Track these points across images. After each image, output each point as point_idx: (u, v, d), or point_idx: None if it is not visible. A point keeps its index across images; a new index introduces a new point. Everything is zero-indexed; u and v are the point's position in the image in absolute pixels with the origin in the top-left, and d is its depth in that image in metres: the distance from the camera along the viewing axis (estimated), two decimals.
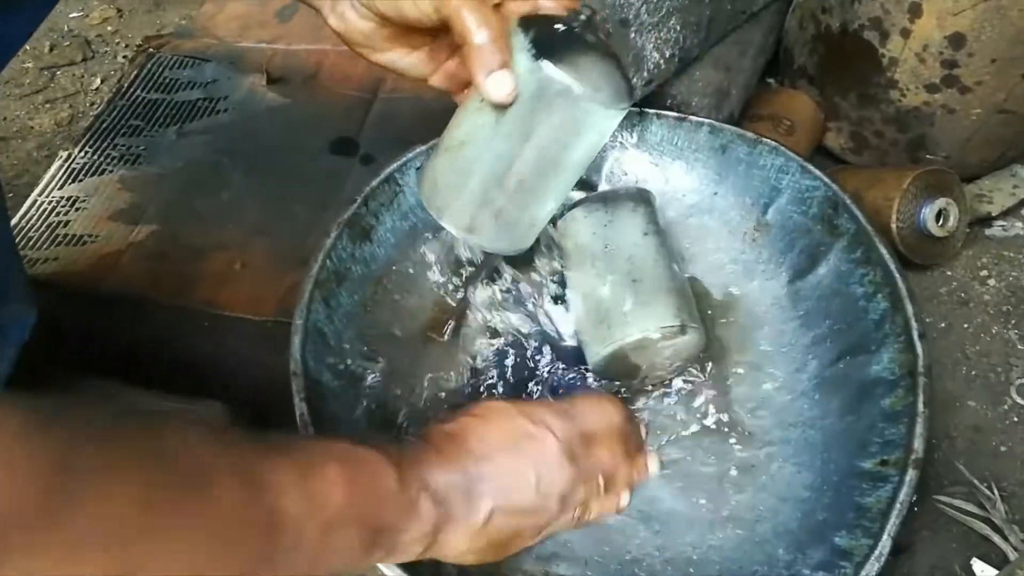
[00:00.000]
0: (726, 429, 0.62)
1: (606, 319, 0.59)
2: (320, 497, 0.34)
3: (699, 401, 0.63)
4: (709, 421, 0.62)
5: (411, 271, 0.68)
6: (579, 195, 0.72)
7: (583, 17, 0.49)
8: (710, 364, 0.65)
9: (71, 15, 1.07)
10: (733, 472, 0.60)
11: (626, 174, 0.74)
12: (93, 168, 0.82)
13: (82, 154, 0.83)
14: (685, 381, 0.64)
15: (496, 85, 0.46)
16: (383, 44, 0.52)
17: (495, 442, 0.44)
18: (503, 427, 0.45)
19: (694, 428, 0.62)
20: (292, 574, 0.34)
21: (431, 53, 0.53)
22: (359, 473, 0.37)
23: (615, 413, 0.49)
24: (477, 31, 0.46)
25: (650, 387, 0.64)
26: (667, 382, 0.64)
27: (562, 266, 0.66)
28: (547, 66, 0.45)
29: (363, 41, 0.52)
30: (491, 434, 0.45)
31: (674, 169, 0.73)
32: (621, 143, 0.73)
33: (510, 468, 0.44)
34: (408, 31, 0.51)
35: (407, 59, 0.53)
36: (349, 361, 0.61)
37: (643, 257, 0.61)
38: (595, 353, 0.60)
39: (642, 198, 0.65)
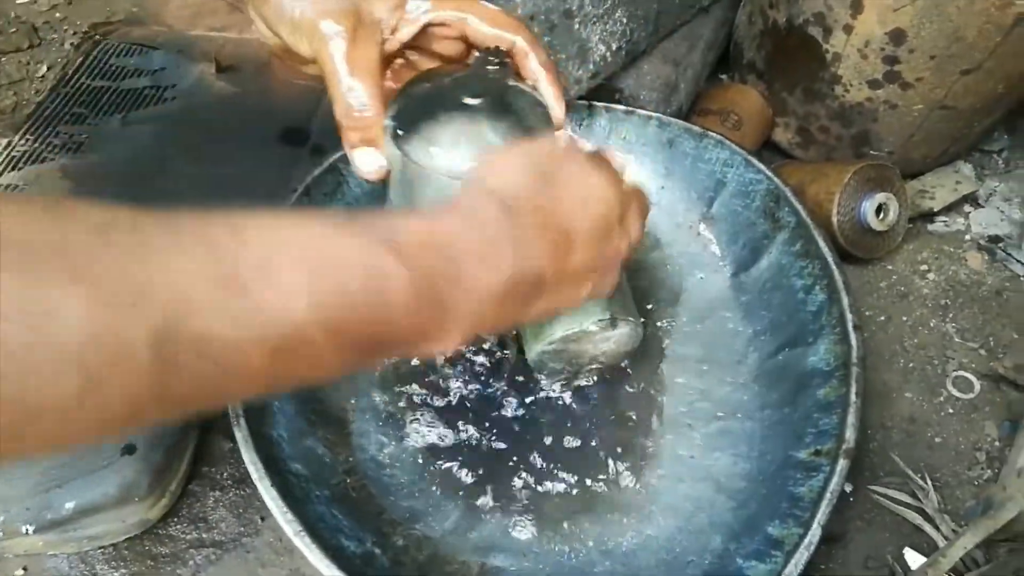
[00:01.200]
0: (666, 420, 0.62)
1: None
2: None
3: (640, 392, 0.64)
4: (650, 411, 0.63)
5: None
6: None
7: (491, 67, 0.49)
8: (651, 355, 0.65)
9: (18, 0, 1.05)
10: (671, 462, 0.60)
11: None
12: (34, 156, 0.80)
13: (22, 142, 0.81)
14: (625, 372, 0.64)
15: (361, 160, 0.49)
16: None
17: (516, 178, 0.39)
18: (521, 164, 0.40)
19: (634, 418, 0.62)
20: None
21: None
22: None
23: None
24: (346, 92, 0.46)
25: (591, 377, 0.64)
26: (607, 372, 0.64)
27: None
28: (403, 146, 0.46)
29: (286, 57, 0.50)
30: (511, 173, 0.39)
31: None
32: (570, 136, 0.73)
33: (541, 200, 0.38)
34: None
35: None
36: None
37: None
38: (530, 349, 0.60)
39: None
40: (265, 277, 0.28)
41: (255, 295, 0.27)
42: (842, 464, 0.51)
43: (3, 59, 0.98)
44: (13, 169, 0.79)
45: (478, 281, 0.35)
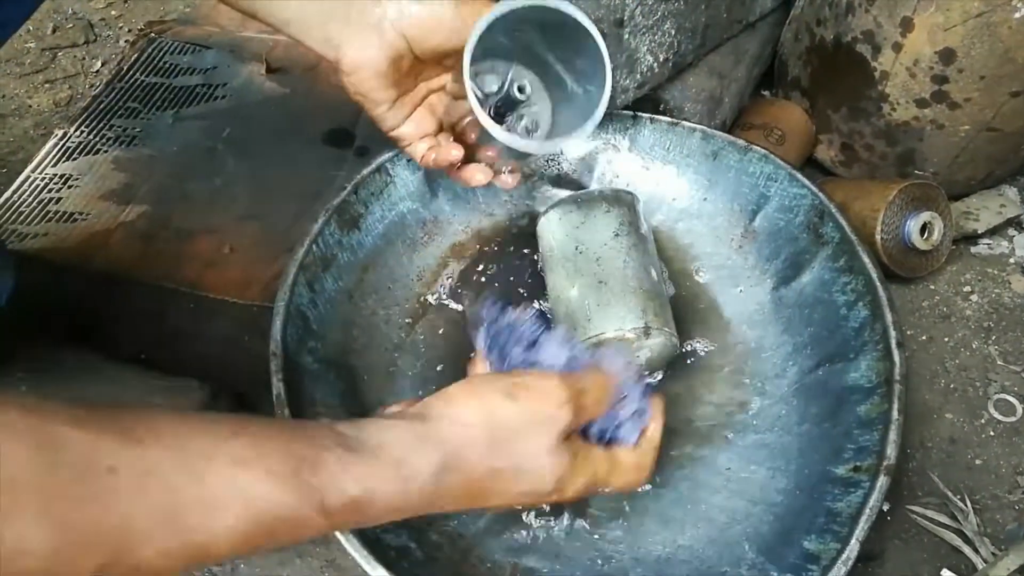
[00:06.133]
0: (703, 431, 0.62)
1: (573, 320, 0.60)
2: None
3: (677, 402, 0.64)
4: (686, 422, 0.63)
5: (397, 261, 0.69)
6: (562, 194, 0.73)
7: None
8: (688, 366, 0.65)
9: None
10: (707, 474, 0.60)
11: (617, 176, 0.75)
12: (87, 147, 0.82)
13: (77, 133, 0.83)
14: (660, 381, 0.65)
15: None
16: (386, 87, 0.52)
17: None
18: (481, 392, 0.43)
19: (670, 428, 0.62)
20: None
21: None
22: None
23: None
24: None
25: None
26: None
27: (541, 268, 0.67)
28: None
29: (370, 79, 0.52)
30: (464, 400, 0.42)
31: (665, 173, 0.74)
32: (614, 146, 0.74)
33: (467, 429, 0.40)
34: (414, 69, 0.52)
35: (393, 108, 0.54)
36: (331, 346, 0.61)
37: (612, 258, 0.62)
38: None
39: (617, 199, 0.65)
40: (206, 523, 0.32)
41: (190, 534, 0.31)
42: (882, 481, 0.51)
43: (59, 54, 1.01)
44: (67, 159, 0.81)
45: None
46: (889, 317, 0.58)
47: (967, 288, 0.74)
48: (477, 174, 0.56)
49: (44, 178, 0.79)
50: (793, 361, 0.64)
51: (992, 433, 0.64)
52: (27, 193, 0.78)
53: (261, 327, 0.66)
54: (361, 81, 0.51)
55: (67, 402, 0.30)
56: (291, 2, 0.48)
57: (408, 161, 0.68)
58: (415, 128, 0.56)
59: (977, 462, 0.63)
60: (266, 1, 0.49)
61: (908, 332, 0.71)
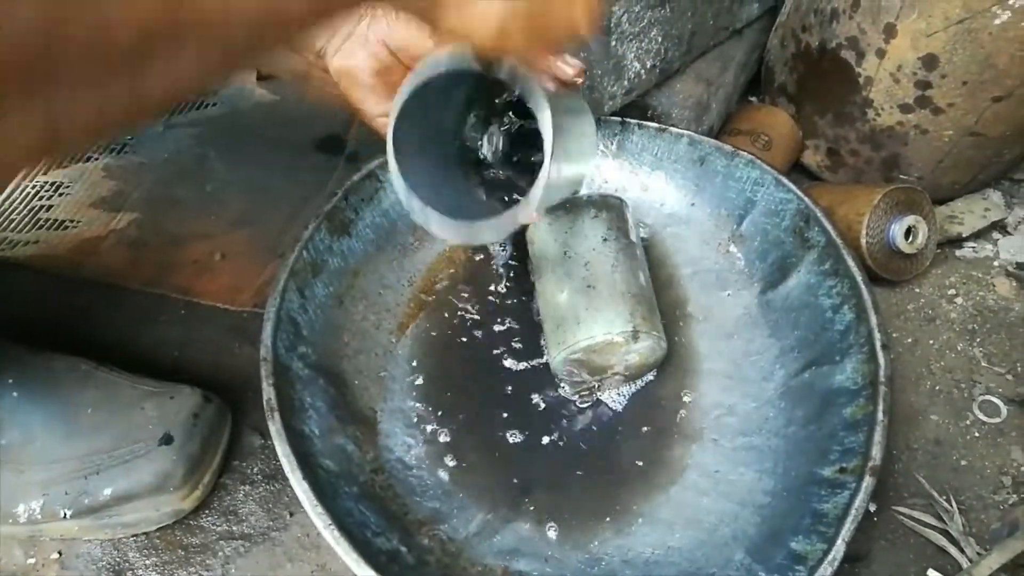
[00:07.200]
0: (691, 434, 0.63)
1: (562, 324, 0.61)
2: None
3: (665, 406, 0.64)
4: (675, 425, 0.63)
5: (388, 267, 0.69)
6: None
7: None
8: (677, 370, 0.66)
9: None
10: (695, 476, 0.61)
11: (606, 182, 0.75)
12: (79, 155, 0.82)
13: None
14: (649, 384, 0.65)
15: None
16: (376, 99, 0.51)
17: None
18: None
19: (659, 432, 0.63)
20: None
21: None
22: None
23: None
24: None
25: (615, 389, 0.65)
26: (630, 384, 0.65)
27: (531, 274, 0.67)
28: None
29: (357, 87, 0.51)
30: None
31: (653, 179, 0.74)
32: (602, 151, 0.75)
33: None
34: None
35: None
36: (321, 352, 0.61)
37: (600, 263, 0.62)
38: (552, 357, 0.62)
39: (605, 204, 0.66)
40: None
41: None
42: (868, 481, 0.52)
43: None
44: (58, 167, 0.81)
45: None
46: (874, 320, 0.59)
47: (952, 291, 0.75)
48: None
49: (35, 186, 0.79)
50: (780, 364, 0.65)
51: (977, 434, 0.65)
52: (18, 201, 0.78)
53: (252, 333, 0.66)
54: (349, 90, 0.51)
55: None
56: None
57: None
58: None
59: (962, 463, 0.64)
60: None
61: (893, 335, 0.71)
